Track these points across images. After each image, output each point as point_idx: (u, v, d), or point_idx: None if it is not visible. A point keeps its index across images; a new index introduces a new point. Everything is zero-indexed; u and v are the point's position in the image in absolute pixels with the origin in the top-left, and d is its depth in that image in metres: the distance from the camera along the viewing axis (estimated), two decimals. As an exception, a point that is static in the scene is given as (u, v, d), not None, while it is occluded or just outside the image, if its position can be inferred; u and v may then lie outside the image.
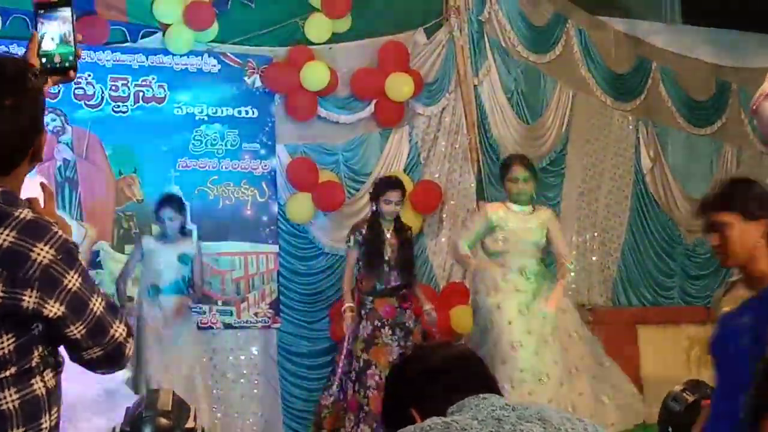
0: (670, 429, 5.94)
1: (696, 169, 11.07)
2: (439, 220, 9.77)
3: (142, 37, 9.04)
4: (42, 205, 2.55)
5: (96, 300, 2.43)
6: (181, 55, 9.14)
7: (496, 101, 10.04)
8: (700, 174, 11.09)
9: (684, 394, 5.99)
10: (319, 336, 9.29)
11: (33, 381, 2.40)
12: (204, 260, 8.72)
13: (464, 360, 2.42)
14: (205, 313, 9.04)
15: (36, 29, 2.72)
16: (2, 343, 2.36)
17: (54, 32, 2.70)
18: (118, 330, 2.47)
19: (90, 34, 8.65)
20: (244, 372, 9.15)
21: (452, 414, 2.22)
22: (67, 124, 8.76)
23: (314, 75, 9.25)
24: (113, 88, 8.94)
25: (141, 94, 9.05)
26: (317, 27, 9.44)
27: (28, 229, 2.37)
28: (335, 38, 9.57)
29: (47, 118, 7.81)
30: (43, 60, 2.69)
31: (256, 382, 9.18)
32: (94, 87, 8.87)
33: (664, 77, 10.83)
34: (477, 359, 2.44)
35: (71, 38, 2.71)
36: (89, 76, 8.81)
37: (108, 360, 2.48)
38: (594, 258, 10.37)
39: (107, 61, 8.89)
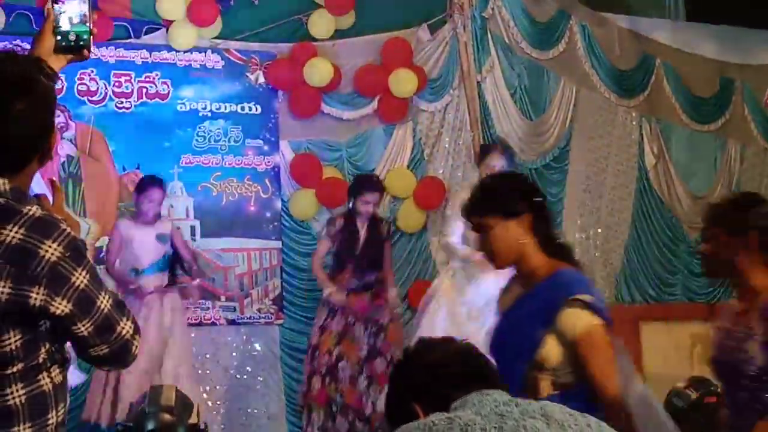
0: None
1: (699, 166, 11.06)
2: (443, 217, 9.75)
3: (146, 34, 9.05)
4: (51, 202, 2.55)
5: (103, 297, 2.43)
6: (184, 52, 9.15)
7: (499, 97, 10.04)
8: (704, 170, 11.08)
9: (687, 391, 6.01)
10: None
11: (40, 377, 2.40)
12: (206, 255, 8.71)
13: (467, 355, 2.42)
14: (208, 309, 9.05)
15: (53, 7, 2.72)
16: (9, 339, 2.36)
17: (71, 11, 2.71)
18: (125, 327, 2.47)
19: (93, 30, 8.66)
20: (248, 368, 9.16)
21: (455, 410, 2.22)
22: (71, 120, 8.77)
23: (318, 71, 9.25)
24: (116, 84, 8.95)
25: (144, 90, 9.06)
26: (321, 23, 9.44)
27: (37, 226, 2.37)
28: (339, 34, 9.57)
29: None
30: (59, 38, 2.70)
31: (259, 378, 9.19)
32: (97, 83, 8.88)
33: (667, 74, 10.82)
34: (480, 355, 2.44)
35: (87, 18, 2.72)
36: (92, 72, 8.82)
37: (115, 357, 2.48)
38: (597, 254, 10.36)
39: (111, 57, 8.89)
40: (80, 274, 2.38)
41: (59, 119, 8.57)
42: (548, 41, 10.31)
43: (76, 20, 2.71)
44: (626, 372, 3.69)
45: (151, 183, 8.24)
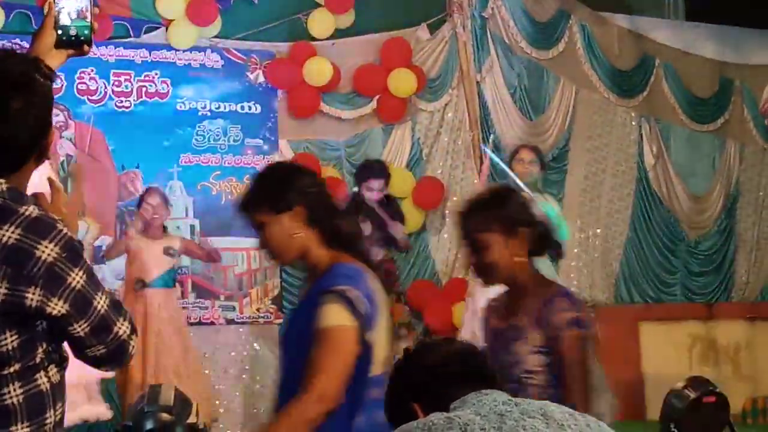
0: (672, 426, 5.94)
1: (698, 166, 11.07)
2: (442, 217, 9.77)
3: (145, 33, 9.06)
4: (49, 201, 2.55)
5: (100, 298, 2.42)
6: (184, 51, 9.15)
7: (498, 97, 10.04)
8: (703, 171, 11.08)
9: (686, 391, 6.00)
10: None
11: (37, 376, 2.40)
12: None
13: (467, 355, 2.42)
14: (207, 308, 9.05)
15: (54, 1, 2.72)
16: (5, 339, 2.36)
17: (71, 6, 2.71)
18: (122, 328, 2.46)
19: (93, 29, 8.66)
20: (246, 368, 9.16)
21: (455, 409, 2.22)
22: (70, 119, 8.78)
23: (317, 71, 9.26)
24: (116, 83, 8.95)
25: (144, 89, 9.06)
26: (320, 23, 9.45)
27: (33, 226, 2.36)
28: (338, 34, 9.58)
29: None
30: (59, 33, 2.70)
31: (258, 377, 9.19)
32: (97, 82, 8.88)
33: (667, 74, 10.83)
34: (479, 355, 2.44)
35: (88, 13, 2.72)
36: (92, 71, 8.82)
37: (111, 358, 2.48)
38: (596, 254, 10.37)
39: (110, 56, 8.90)
40: (77, 275, 2.38)
41: (58, 118, 8.57)
42: (548, 41, 10.32)
43: (76, 15, 2.71)
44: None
45: (149, 190, 8.29)
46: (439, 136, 9.88)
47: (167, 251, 8.18)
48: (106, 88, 8.90)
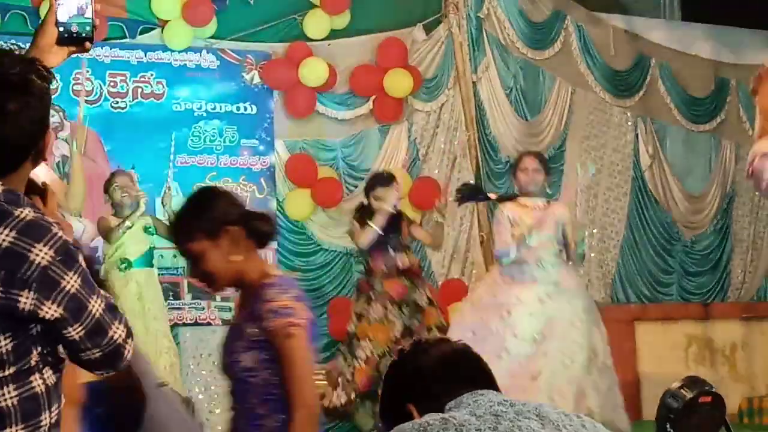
0: (668, 426, 5.94)
1: (695, 166, 11.08)
2: (438, 217, 9.76)
3: (141, 33, 9.05)
4: (43, 205, 2.54)
5: (95, 301, 2.42)
6: (179, 51, 9.15)
7: (494, 98, 10.05)
8: (699, 170, 11.10)
9: (682, 391, 6.00)
10: (318, 332, 9.26)
11: (32, 378, 2.39)
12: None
13: (462, 356, 2.42)
14: (203, 309, 9.04)
15: None
16: (0, 343, 2.35)
17: (73, 3, 2.71)
18: (117, 331, 2.46)
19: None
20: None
21: (450, 410, 2.22)
22: (66, 120, 8.77)
23: (313, 71, 9.26)
24: (112, 84, 8.95)
25: (139, 90, 9.05)
26: (316, 23, 9.44)
27: (28, 229, 2.36)
28: (334, 34, 9.57)
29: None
30: (61, 29, 2.70)
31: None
32: (92, 83, 8.87)
33: (663, 74, 10.83)
34: (474, 355, 2.44)
35: (89, 9, 2.72)
36: (88, 71, 8.81)
37: (106, 361, 2.47)
38: (592, 255, 10.37)
39: (106, 57, 8.89)
40: (71, 279, 2.37)
41: (54, 119, 8.56)
42: (544, 41, 10.32)
43: (77, 12, 2.71)
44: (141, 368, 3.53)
45: (114, 173, 8.26)
46: (435, 137, 9.88)
47: (146, 230, 8.17)
48: (101, 88, 8.90)
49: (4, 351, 2.35)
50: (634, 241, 10.66)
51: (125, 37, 9.00)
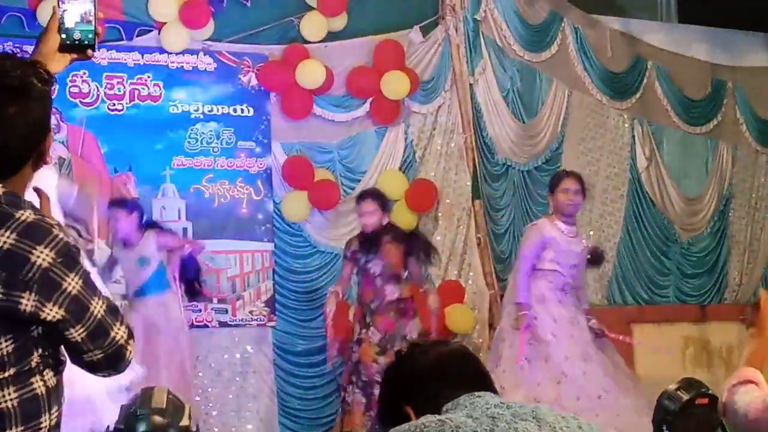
0: (664, 427, 5.94)
1: (691, 168, 11.08)
2: (435, 219, 9.77)
3: (138, 36, 9.04)
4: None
5: (97, 303, 2.42)
6: (176, 54, 9.14)
7: (491, 100, 10.04)
8: (696, 173, 11.10)
9: (679, 393, 5.99)
10: (314, 334, 9.28)
11: (33, 380, 2.40)
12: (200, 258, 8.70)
13: (459, 358, 2.42)
14: (200, 311, 9.04)
15: (58, 5, 2.72)
16: (1, 344, 2.35)
17: (76, 10, 2.71)
18: (119, 332, 2.46)
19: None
20: (240, 370, 9.15)
21: (447, 412, 2.22)
22: (62, 122, 8.76)
23: (310, 73, 9.25)
24: (108, 86, 8.94)
25: (136, 92, 9.05)
26: (313, 25, 9.44)
27: (29, 231, 2.36)
28: (331, 36, 9.57)
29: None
30: (63, 36, 2.70)
31: (251, 380, 9.18)
32: (89, 85, 8.87)
33: (659, 76, 10.84)
34: (472, 357, 2.44)
35: (92, 17, 2.72)
36: (84, 74, 8.81)
37: (109, 362, 2.47)
38: (589, 257, 10.36)
39: (102, 59, 8.88)
40: (72, 280, 2.37)
41: (51, 121, 8.54)
42: (540, 43, 10.32)
43: (80, 19, 2.72)
44: None
45: (116, 205, 8.27)
46: (432, 139, 9.88)
47: (140, 262, 8.18)
48: (98, 91, 8.89)
49: (4, 353, 2.35)
50: (630, 243, 10.66)
51: (122, 39, 8.99)
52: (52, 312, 2.35)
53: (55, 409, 2.44)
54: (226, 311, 9.18)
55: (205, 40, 9.21)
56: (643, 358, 9.90)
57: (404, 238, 8.31)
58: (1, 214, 2.38)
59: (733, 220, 11.25)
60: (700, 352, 10.36)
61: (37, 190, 2.60)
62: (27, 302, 2.33)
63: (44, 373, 2.42)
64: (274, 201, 9.36)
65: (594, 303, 10.16)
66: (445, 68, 9.91)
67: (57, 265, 2.35)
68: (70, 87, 8.78)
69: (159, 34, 9.03)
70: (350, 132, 9.64)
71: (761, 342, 3.41)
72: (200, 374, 8.93)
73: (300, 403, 9.28)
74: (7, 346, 2.36)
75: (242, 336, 9.23)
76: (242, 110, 9.34)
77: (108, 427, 5.35)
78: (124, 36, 8.98)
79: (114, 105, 8.96)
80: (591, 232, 10.31)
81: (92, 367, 2.49)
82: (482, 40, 10.04)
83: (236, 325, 9.21)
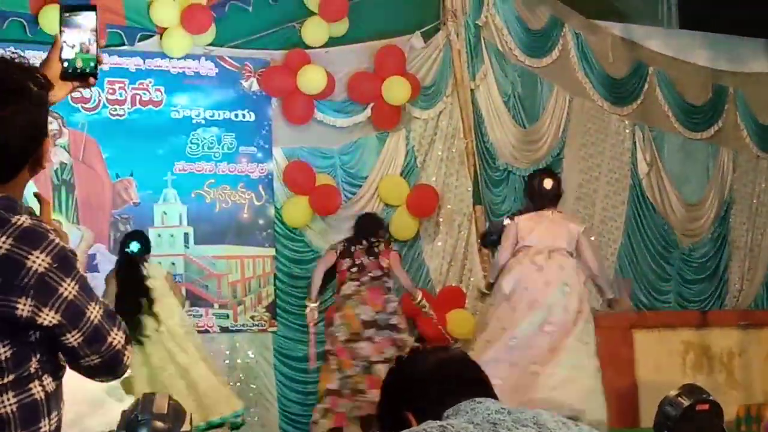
0: (665, 433, 5.94)
1: (692, 174, 11.08)
2: (436, 224, 9.77)
3: (140, 41, 9.05)
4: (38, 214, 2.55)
5: (93, 308, 2.42)
6: (178, 59, 9.15)
7: (492, 105, 10.05)
8: (697, 178, 11.10)
9: (680, 399, 5.99)
10: (315, 340, 9.28)
11: (32, 385, 2.39)
12: (200, 263, 8.71)
13: (460, 363, 2.42)
14: (201, 316, 9.04)
15: (60, 33, 2.73)
16: (-1, 350, 2.36)
17: (77, 38, 2.71)
18: (116, 338, 2.46)
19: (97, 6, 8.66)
20: (241, 376, 9.15)
21: (448, 418, 2.22)
22: (64, 127, 8.77)
23: (311, 78, 9.26)
24: (110, 91, 8.95)
25: (138, 97, 9.06)
26: (314, 31, 9.45)
27: (25, 236, 2.36)
28: (332, 42, 9.58)
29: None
30: (65, 65, 2.70)
31: (252, 386, 9.18)
32: (91, 90, 8.87)
33: (660, 81, 10.84)
34: (472, 363, 2.44)
35: (93, 45, 2.73)
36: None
37: (106, 367, 2.47)
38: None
39: (104, 64, 8.85)
40: (69, 285, 2.37)
41: (52, 126, 8.56)
42: (541, 49, 10.33)
43: (82, 47, 2.72)
44: None
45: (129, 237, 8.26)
46: (433, 144, 9.89)
47: None
48: (100, 96, 8.90)
49: (3, 358, 2.35)
50: (631, 249, 10.66)
51: (124, 45, 9.00)
52: (49, 317, 2.35)
53: (54, 414, 2.44)
54: (228, 316, 9.18)
55: (207, 45, 9.22)
56: (644, 363, 9.90)
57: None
58: None
59: (734, 225, 11.25)
60: (701, 358, 10.35)
61: (37, 195, 2.61)
62: (24, 307, 2.33)
63: (43, 378, 2.42)
64: (275, 206, 9.37)
65: (594, 308, 10.16)
66: (446, 74, 9.92)
67: (53, 270, 2.35)
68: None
69: (161, 39, 9.04)
70: (351, 137, 9.65)
71: None
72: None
73: (301, 409, 9.28)
74: (5, 352, 2.36)
75: (243, 341, 9.23)
76: (244, 115, 9.35)
77: (109, 432, 5.34)
78: (125, 41, 8.99)
79: (115, 110, 8.97)
80: (592, 238, 10.30)
81: (89, 372, 2.49)
82: (483, 45, 10.05)
83: (237, 331, 9.21)
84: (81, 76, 2.72)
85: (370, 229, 8.63)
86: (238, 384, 9.12)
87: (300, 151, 9.50)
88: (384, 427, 2.41)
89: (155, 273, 8.13)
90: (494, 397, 2.32)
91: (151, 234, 8.70)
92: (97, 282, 8.49)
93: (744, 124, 11.27)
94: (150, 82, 9.09)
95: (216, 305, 9.13)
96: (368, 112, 9.60)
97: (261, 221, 9.35)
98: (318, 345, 9.20)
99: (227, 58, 9.31)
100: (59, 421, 2.47)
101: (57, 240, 2.39)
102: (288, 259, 9.38)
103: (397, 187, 9.52)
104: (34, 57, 7.76)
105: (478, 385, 2.35)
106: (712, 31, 11.15)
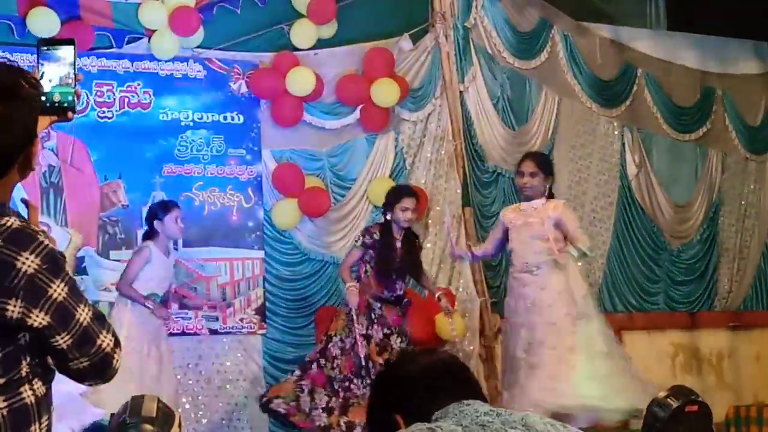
0: (654, 434, 5.95)
1: (681, 175, 11.10)
2: (425, 227, 9.76)
3: (128, 43, 9.03)
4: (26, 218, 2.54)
5: (83, 310, 2.41)
6: (166, 61, 9.13)
7: (481, 107, 10.05)
8: (685, 180, 11.12)
9: (668, 400, 6.01)
10: (305, 342, 9.28)
11: (22, 389, 2.39)
12: (189, 265, 8.70)
13: (448, 366, 2.42)
14: (190, 318, 9.03)
15: (37, 67, 2.71)
16: (-12, 353, 2.35)
17: (54, 72, 2.68)
18: (105, 340, 2.45)
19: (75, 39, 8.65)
20: (230, 378, 9.14)
21: (437, 420, 2.22)
22: (52, 129, 8.75)
23: (300, 81, 9.25)
24: (98, 93, 8.93)
25: (126, 99, 9.04)
26: (303, 33, 9.44)
27: (14, 237, 2.36)
28: (321, 44, 9.57)
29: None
30: (43, 99, 2.67)
31: (241, 388, 9.16)
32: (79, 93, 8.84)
33: (649, 83, 10.87)
34: (461, 365, 2.44)
35: (71, 79, 2.70)
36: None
37: (95, 371, 2.47)
38: (579, 264, 10.37)
39: (92, 66, 8.87)
40: (58, 287, 2.37)
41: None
42: (530, 51, 10.34)
43: (59, 81, 2.69)
44: None
45: (166, 206, 8.14)
46: (422, 146, 9.89)
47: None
48: (88, 98, 8.87)
49: (-7, 361, 2.35)
50: (620, 250, 10.67)
51: (112, 47, 8.98)
52: (39, 318, 2.34)
53: (45, 418, 2.44)
54: (217, 319, 9.17)
55: (195, 47, 9.21)
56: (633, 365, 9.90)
57: (414, 236, 8.49)
58: None
59: (722, 227, 11.27)
60: (690, 360, 10.37)
61: (25, 201, 2.60)
62: (14, 309, 2.32)
63: (33, 382, 2.41)
64: (264, 208, 9.36)
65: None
66: (435, 76, 9.92)
67: (42, 272, 2.35)
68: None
69: (149, 41, 9.02)
70: (340, 139, 9.64)
71: None
72: (190, 382, 8.92)
73: (290, 411, 9.27)
74: (-5, 355, 2.36)
75: (232, 344, 9.22)
76: (232, 118, 9.34)
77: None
78: (114, 43, 8.98)
79: (104, 112, 8.95)
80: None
81: (78, 376, 2.48)
82: (472, 47, 10.05)
83: (226, 333, 9.20)
84: (59, 110, 2.68)
85: None
86: (228, 386, 9.11)
87: (289, 153, 9.49)
88: (373, 429, 2.41)
89: None
90: (483, 398, 2.32)
91: (140, 237, 8.70)
92: (86, 285, 8.49)
93: (732, 125, 11.29)
94: (138, 85, 9.07)
95: (205, 308, 9.11)
96: (357, 114, 9.59)
97: (250, 223, 9.34)
98: (307, 348, 9.21)
99: (216, 61, 9.30)
100: (50, 425, 2.47)
101: (46, 241, 2.39)
102: (277, 261, 9.37)
103: (386, 189, 9.50)
104: (22, 59, 7.76)
105: (467, 387, 2.35)
106: (700, 32, 11.18)
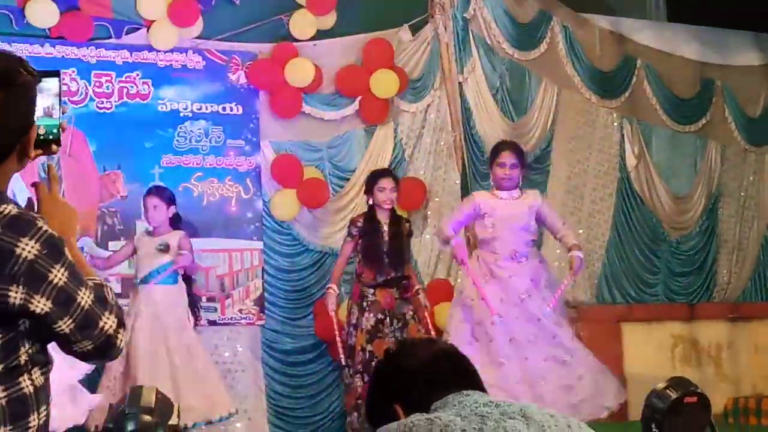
0: (653, 426, 5.95)
1: (680, 167, 11.09)
2: (424, 218, 9.77)
3: (127, 34, 9.03)
4: (47, 190, 2.56)
5: (84, 293, 2.42)
6: (165, 52, 9.13)
7: (481, 98, 10.05)
8: (685, 171, 11.11)
9: (667, 392, 6.00)
10: (303, 333, 9.29)
11: (21, 379, 2.39)
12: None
13: (448, 356, 2.42)
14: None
15: None
16: (-13, 340, 2.35)
17: (39, 104, 2.62)
18: (108, 322, 2.46)
19: (74, 30, 8.66)
20: (229, 369, 9.14)
21: (436, 410, 2.22)
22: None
23: (299, 72, 9.25)
24: (97, 84, 8.92)
25: (125, 90, 9.03)
26: (302, 23, 9.44)
27: (12, 224, 2.36)
28: (320, 35, 9.57)
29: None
30: None
31: (240, 379, 9.16)
32: (78, 83, 8.84)
33: (648, 74, 10.85)
34: (460, 356, 2.44)
35: (56, 111, 2.65)
36: (73, 72, 8.79)
37: (99, 352, 2.48)
38: (578, 255, 10.38)
39: (91, 57, 8.86)
40: (58, 272, 2.37)
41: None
42: (530, 42, 10.32)
43: (43, 113, 2.64)
44: None
45: (150, 191, 8.30)
46: (421, 137, 9.88)
47: (159, 246, 8.20)
48: (87, 89, 8.87)
49: (-8, 347, 2.35)
50: (619, 242, 10.67)
51: (111, 38, 8.98)
52: (41, 304, 2.35)
53: (43, 408, 2.44)
54: (215, 309, 9.17)
55: (194, 38, 9.20)
56: (632, 356, 9.91)
57: (402, 219, 8.60)
58: None
59: (722, 218, 11.26)
60: (689, 351, 10.36)
61: (49, 167, 2.61)
62: (15, 295, 2.32)
63: (32, 372, 2.42)
64: (263, 199, 9.35)
65: (583, 301, 10.18)
66: (434, 67, 9.91)
67: (42, 257, 2.35)
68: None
69: (148, 32, 9.01)
70: (339, 130, 9.64)
71: None
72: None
73: (289, 402, 9.28)
74: (-6, 341, 2.36)
75: (231, 334, 9.22)
76: (231, 108, 9.33)
77: (96, 426, 5.34)
78: (112, 34, 8.97)
79: (102, 103, 8.94)
80: (580, 231, 10.31)
81: (83, 357, 2.50)
82: (471, 38, 10.05)
83: (225, 324, 9.20)
84: (44, 142, 2.64)
85: None
86: (226, 377, 9.10)
87: (288, 144, 9.48)
88: (372, 420, 2.41)
89: None
90: (482, 389, 2.32)
91: (139, 228, 8.70)
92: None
93: (732, 117, 11.28)
94: (137, 75, 9.06)
95: (204, 298, 9.11)
96: (356, 105, 9.59)
97: (249, 214, 9.34)
98: (306, 338, 9.22)
99: (214, 51, 9.30)
100: (48, 415, 2.47)
101: (45, 227, 2.39)
102: (276, 253, 9.37)
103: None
104: (21, 50, 7.76)
105: (466, 378, 2.35)
106: (700, 24, 11.16)
